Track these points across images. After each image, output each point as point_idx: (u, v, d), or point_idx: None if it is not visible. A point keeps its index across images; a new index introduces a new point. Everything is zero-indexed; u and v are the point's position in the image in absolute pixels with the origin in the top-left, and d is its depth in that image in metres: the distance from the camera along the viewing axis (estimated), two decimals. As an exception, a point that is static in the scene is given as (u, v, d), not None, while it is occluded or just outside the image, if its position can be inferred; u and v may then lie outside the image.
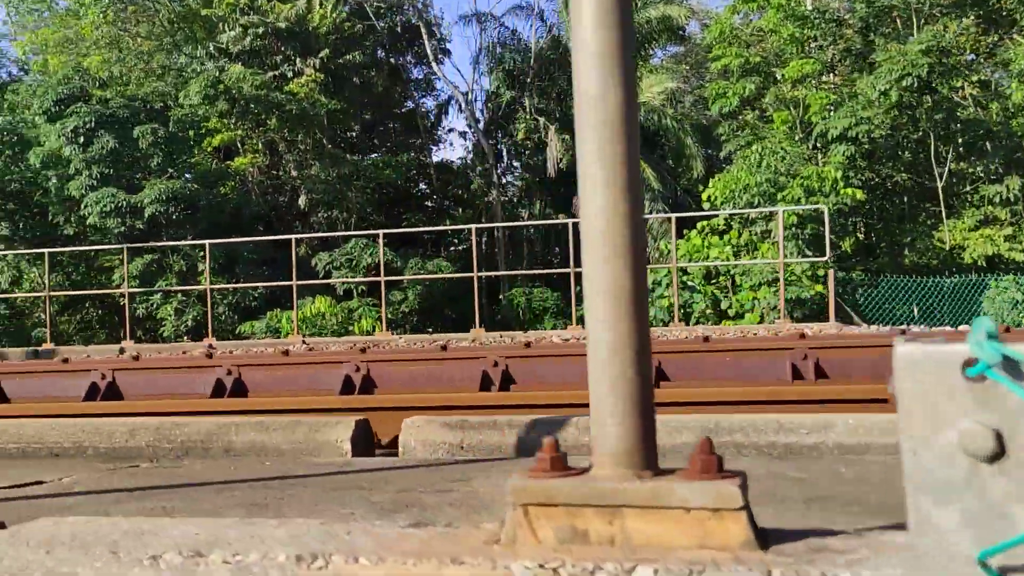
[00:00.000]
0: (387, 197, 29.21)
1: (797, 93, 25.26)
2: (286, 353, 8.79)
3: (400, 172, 28.52)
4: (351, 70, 29.03)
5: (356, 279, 23.32)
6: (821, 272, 21.43)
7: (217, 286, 21.90)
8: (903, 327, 8.90)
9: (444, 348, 9.22)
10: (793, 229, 21.30)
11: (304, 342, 13.33)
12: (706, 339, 8.07)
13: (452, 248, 32.11)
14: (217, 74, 26.32)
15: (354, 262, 24.37)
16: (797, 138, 24.41)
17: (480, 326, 13.31)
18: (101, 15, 30.41)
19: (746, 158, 24.20)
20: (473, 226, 15.31)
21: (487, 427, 2.76)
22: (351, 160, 27.61)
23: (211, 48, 28.57)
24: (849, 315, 18.85)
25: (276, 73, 27.59)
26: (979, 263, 22.90)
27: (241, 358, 8.69)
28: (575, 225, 28.51)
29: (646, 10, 30.29)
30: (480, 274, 14.41)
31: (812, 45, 25.46)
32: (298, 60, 27.83)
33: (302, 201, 26.51)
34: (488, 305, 28.95)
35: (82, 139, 23.35)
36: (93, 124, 23.26)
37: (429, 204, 31.57)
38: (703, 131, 31.86)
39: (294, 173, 27.47)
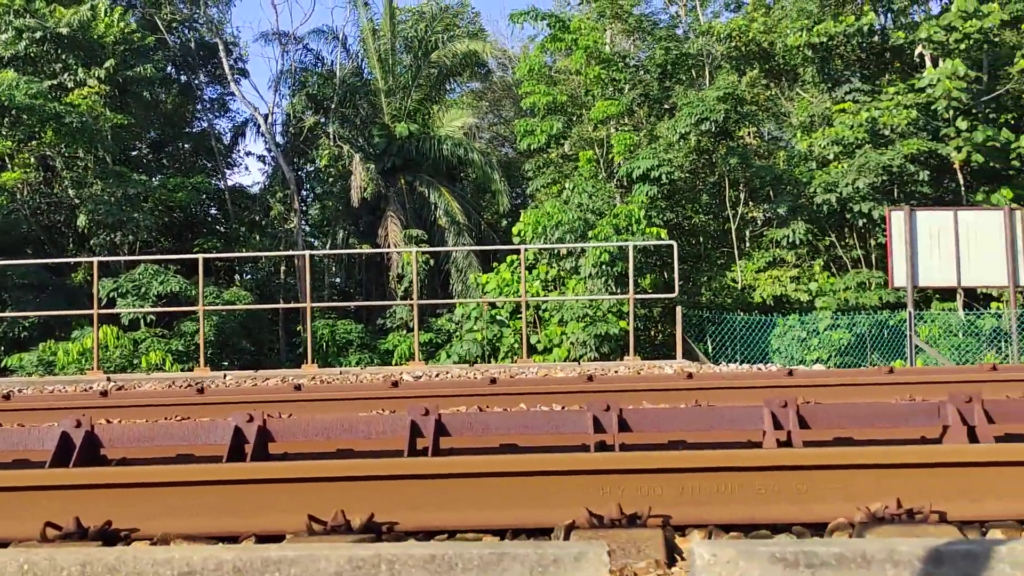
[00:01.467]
0: (177, 221, 27.32)
1: (600, 133, 25.87)
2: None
3: (193, 195, 26.69)
4: (140, 84, 27.03)
5: (145, 309, 21.50)
6: (626, 309, 21.84)
7: (15, 314, 19.54)
8: (789, 367, 8.97)
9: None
10: (603, 266, 21.64)
11: (109, 379, 11.92)
12: (605, 375, 7.71)
13: (248, 276, 30.52)
14: (-16, 79, 23.69)
15: (143, 290, 22.47)
16: (600, 177, 24.94)
17: (312, 362, 12.36)
18: None
19: (556, 195, 24.47)
20: (306, 253, 14.29)
21: (854, 564, 1.83)
22: (138, 180, 25.56)
23: (-23, 51, 25.79)
24: (696, 353, 19.23)
25: (55, 83, 25.19)
26: (767, 302, 24.07)
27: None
28: (380, 256, 28.02)
29: (452, 44, 30.21)
30: (312, 305, 13.44)
31: (612, 88, 26.15)
32: (80, 70, 25.55)
33: (81, 222, 24.21)
34: (287, 338, 27.66)
35: None
36: None
37: (223, 230, 29.79)
38: (503, 167, 32.10)
39: (72, 192, 25.10)
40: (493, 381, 7.92)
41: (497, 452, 4.92)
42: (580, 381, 7.84)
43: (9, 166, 25.06)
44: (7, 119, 23.65)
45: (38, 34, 24.96)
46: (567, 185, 23.71)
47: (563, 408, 6.69)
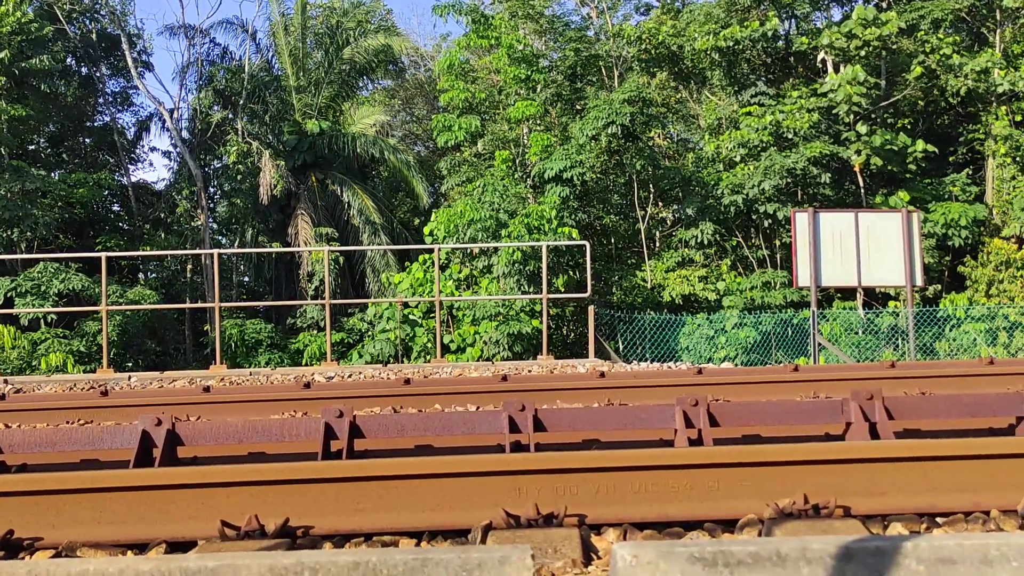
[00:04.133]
0: (78, 218, 26.43)
1: (516, 132, 25.97)
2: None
3: (95, 191, 25.87)
4: (37, 76, 26.07)
5: (45, 308, 20.76)
6: (538, 308, 21.94)
7: None
8: (699, 366, 9.12)
9: (308, 386, 8.25)
10: (516, 265, 21.71)
11: (6, 381, 11.48)
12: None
13: (153, 275, 29.73)
14: None
15: (43, 288, 21.70)
16: (516, 177, 25.02)
17: (220, 362, 12.12)
18: None
19: (468, 194, 24.43)
20: (214, 251, 13.93)
21: (769, 563, 1.86)
22: (37, 175, 24.66)
23: None
24: (607, 352, 19.40)
25: (-54, 73, 24.17)
26: (676, 301, 24.49)
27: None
28: (291, 255, 27.58)
29: (366, 39, 29.91)
30: (221, 304, 13.18)
31: (526, 88, 26.26)
32: (-28, 61, 24.54)
33: (-25, 218, 23.30)
34: (193, 338, 27.06)
35: None
36: None
37: (126, 227, 28.95)
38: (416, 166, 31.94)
39: (-36, 186, 24.10)
40: (407, 382, 7.88)
41: (413, 454, 4.91)
42: (495, 381, 7.86)
43: None
44: None
45: (-73, 23, 23.91)
46: (478, 184, 23.68)
47: (478, 408, 6.70)
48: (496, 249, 21.77)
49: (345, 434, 4.68)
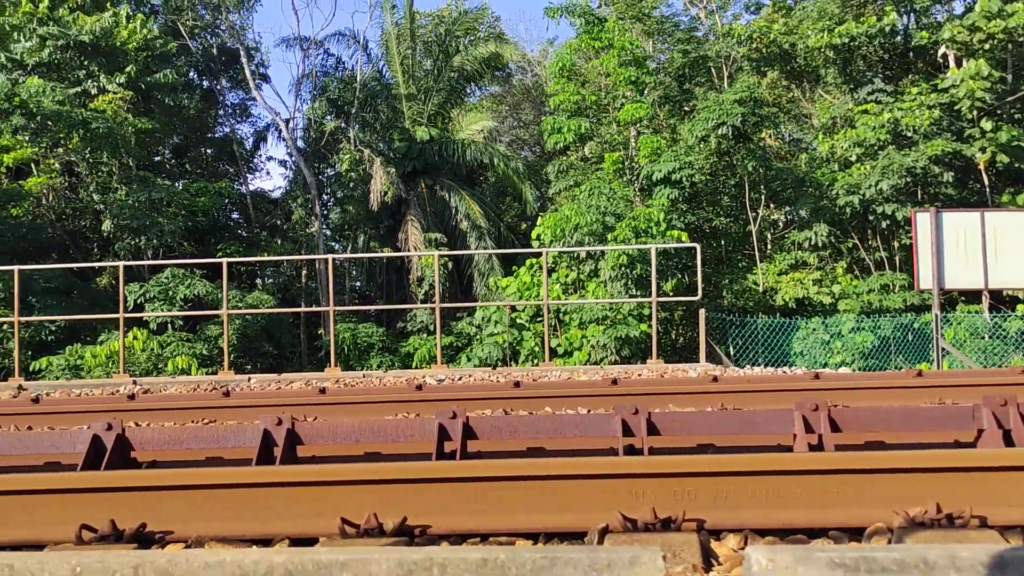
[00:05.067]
0: (200, 226, 27.47)
1: (625, 135, 25.79)
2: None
3: (216, 200, 26.87)
4: (162, 90, 27.22)
5: (172, 312, 21.63)
6: (646, 311, 21.71)
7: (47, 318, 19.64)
8: (815, 371, 8.91)
9: (419, 388, 8.40)
10: (623, 269, 21.55)
11: (135, 382, 11.99)
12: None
13: (270, 280, 30.68)
14: (10, 87, 23.89)
15: (170, 293, 22.62)
16: (625, 179, 24.87)
17: (334, 365, 12.39)
18: None
19: (575, 197, 24.40)
20: (328, 256, 14.27)
21: (916, 570, 1.79)
22: (162, 185, 25.74)
23: (2, 58, 25.95)
24: (719, 356, 19.16)
25: (79, 89, 25.40)
26: (790, 305, 23.90)
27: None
28: (401, 260, 28.09)
29: (475, 47, 30.23)
30: (335, 308, 13.48)
31: (635, 90, 26.07)
32: (103, 77, 25.74)
33: (106, 227, 24.39)
34: (308, 341, 27.77)
35: None
36: None
37: (244, 234, 29.97)
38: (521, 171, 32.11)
39: (96, 197, 25.28)
40: (517, 384, 7.90)
41: (524, 455, 4.91)
42: (605, 384, 7.80)
43: (34, 172, 25.27)
44: (32, 125, 23.87)
45: (61, 42, 25.15)
46: (585, 187, 23.63)
47: (589, 411, 6.67)
48: (603, 253, 21.66)
49: (459, 435, 4.71)
